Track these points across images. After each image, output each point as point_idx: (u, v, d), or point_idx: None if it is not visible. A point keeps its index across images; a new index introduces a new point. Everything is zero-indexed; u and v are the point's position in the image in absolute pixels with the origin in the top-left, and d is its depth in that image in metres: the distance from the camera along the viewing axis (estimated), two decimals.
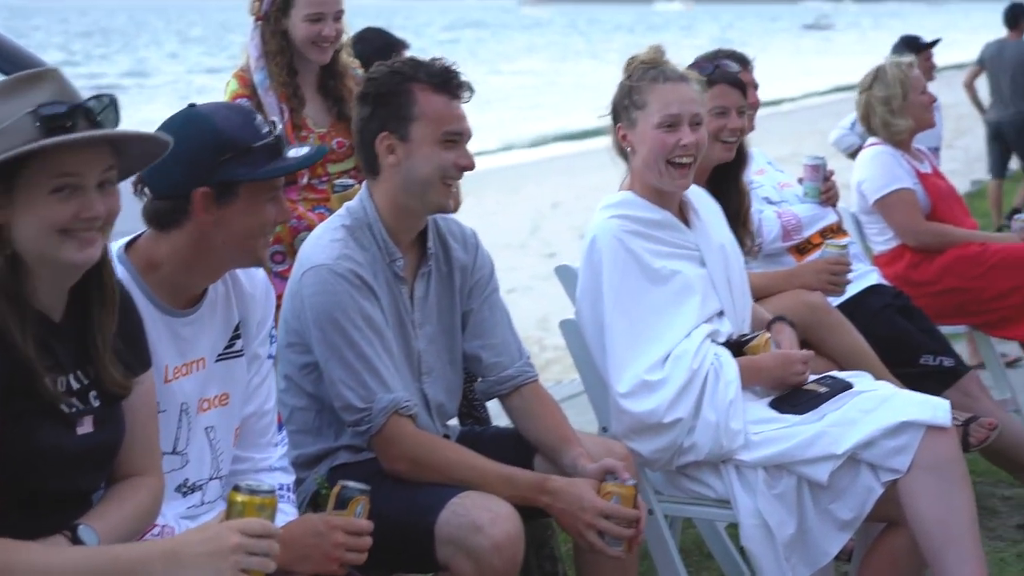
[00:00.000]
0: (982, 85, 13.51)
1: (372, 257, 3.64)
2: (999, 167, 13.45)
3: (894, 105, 5.99)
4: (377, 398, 3.52)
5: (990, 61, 13.09)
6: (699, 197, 4.35)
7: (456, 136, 3.63)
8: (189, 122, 3.05)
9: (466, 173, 3.71)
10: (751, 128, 5.16)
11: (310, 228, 4.89)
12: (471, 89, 3.68)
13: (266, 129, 3.06)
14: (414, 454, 3.54)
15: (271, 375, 3.39)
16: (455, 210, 4.39)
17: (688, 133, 4.08)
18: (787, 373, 4.10)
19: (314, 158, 3.24)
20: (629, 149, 4.19)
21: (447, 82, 3.63)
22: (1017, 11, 13.12)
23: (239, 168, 3.01)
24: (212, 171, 3.01)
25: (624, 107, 4.16)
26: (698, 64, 4.90)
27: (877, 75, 6.06)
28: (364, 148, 3.68)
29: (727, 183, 4.88)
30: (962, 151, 24.65)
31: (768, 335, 4.18)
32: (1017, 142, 13.15)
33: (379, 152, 3.63)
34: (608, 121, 4.27)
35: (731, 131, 4.82)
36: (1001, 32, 13.17)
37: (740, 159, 4.95)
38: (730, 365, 4.01)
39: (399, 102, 3.61)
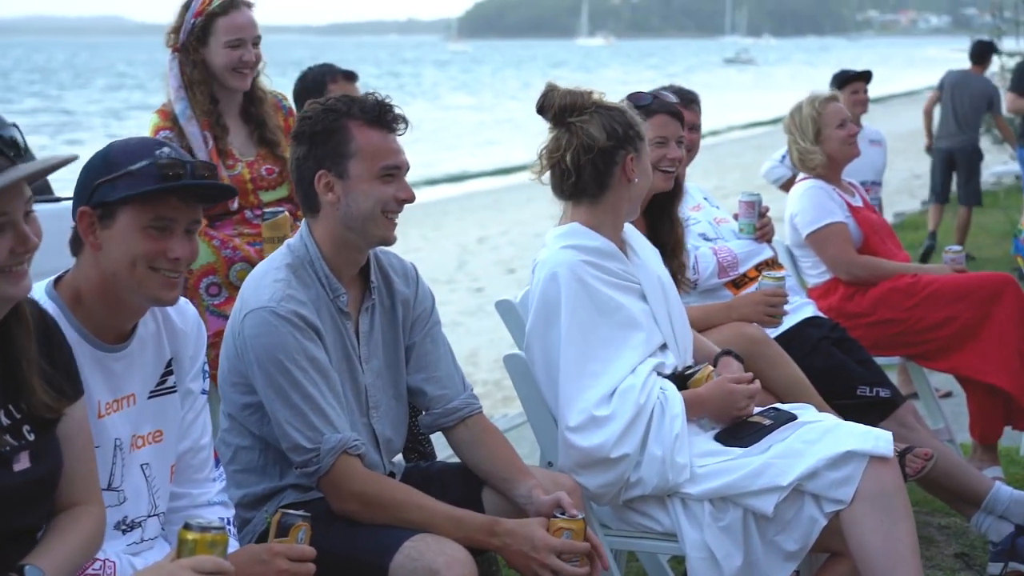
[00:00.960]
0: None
1: (316, 294, 3.62)
2: (941, 192, 13.93)
3: (808, 139, 6.07)
4: (325, 438, 3.48)
5: (950, 89, 13.57)
6: (630, 233, 4.38)
7: (394, 170, 3.62)
8: (95, 153, 3.08)
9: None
10: (689, 160, 5.20)
11: (246, 260, 4.88)
12: (406, 121, 3.67)
13: (164, 157, 3.01)
14: (363, 494, 3.51)
15: (205, 410, 3.36)
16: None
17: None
18: (729, 407, 4.12)
19: (205, 186, 3.11)
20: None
21: (382, 116, 3.61)
22: (983, 48, 13.81)
23: (114, 190, 2.99)
24: (91, 192, 3.01)
25: (626, 137, 4.18)
26: (637, 95, 4.93)
27: (794, 109, 6.16)
28: (302, 187, 3.66)
29: (662, 215, 4.90)
30: (883, 184, 24.91)
31: (711, 368, 4.20)
32: (965, 167, 13.62)
33: (318, 190, 3.61)
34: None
35: (671, 161, 4.84)
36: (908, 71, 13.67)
37: (676, 191, 4.97)
38: (675, 399, 4.02)
39: (335, 140, 3.59)
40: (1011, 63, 16.61)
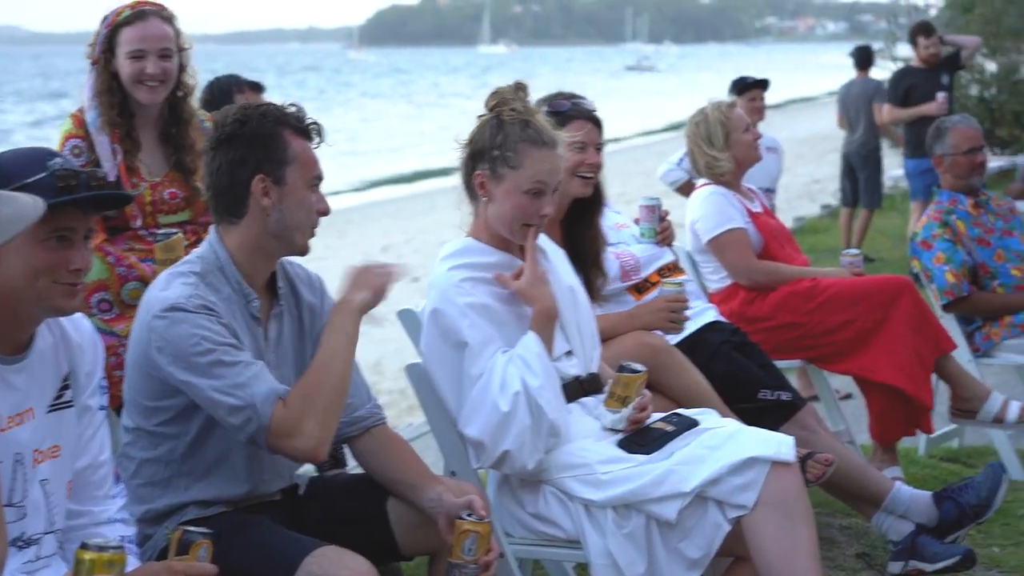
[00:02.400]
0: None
1: (227, 299, 3.60)
2: (849, 196, 14.37)
3: (716, 145, 6.11)
4: (255, 392, 3.45)
5: (843, 98, 14.10)
6: (544, 240, 4.35)
7: (319, 181, 3.66)
8: None
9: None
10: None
11: (140, 279, 4.80)
12: (323, 133, 3.70)
13: (58, 168, 2.97)
14: (306, 413, 3.48)
15: (104, 427, 3.33)
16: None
17: (549, 203, 4.08)
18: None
19: (105, 196, 3.12)
20: (485, 197, 4.14)
21: (309, 127, 3.65)
22: (864, 53, 14.23)
23: None
24: None
25: (492, 157, 4.07)
26: (555, 101, 4.93)
27: (699, 117, 6.18)
28: (231, 190, 3.62)
29: (583, 223, 4.90)
30: (782, 189, 25.18)
31: (644, 373, 4.19)
32: (863, 170, 14.05)
33: (253, 193, 3.59)
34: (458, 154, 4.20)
35: (589, 166, 4.85)
36: (834, 71, 14.06)
37: (596, 200, 4.96)
38: (531, 354, 4.00)
39: (274, 145, 3.59)
40: None
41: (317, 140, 3.67)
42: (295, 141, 3.61)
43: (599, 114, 5.04)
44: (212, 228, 3.70)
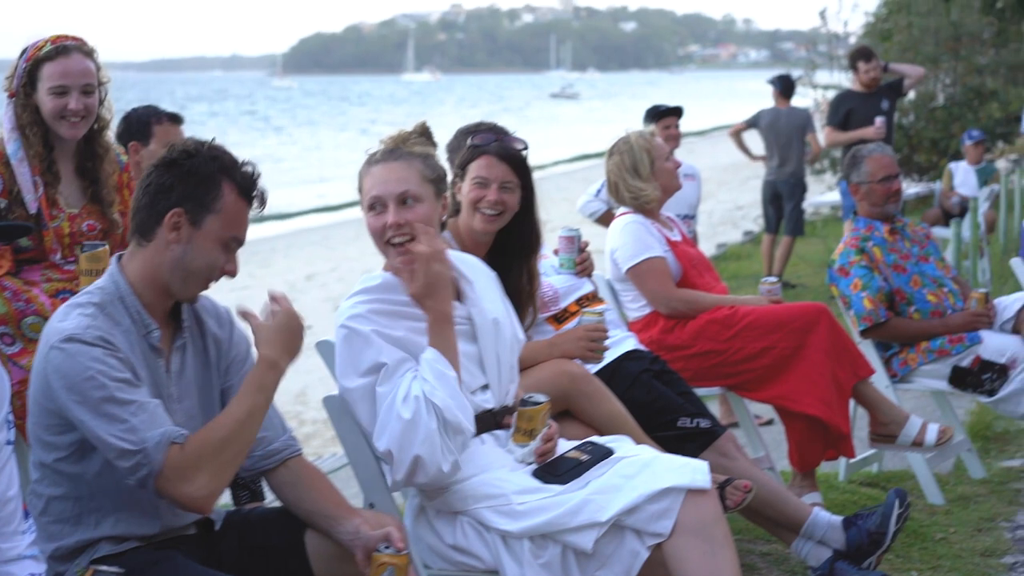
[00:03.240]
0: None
1: (126, 330, 3.55)
2: (773, 224, 14.56)
3: (641, 173, 6.14)
4: (148, 436, 3.40)
5: (767, 128, 14.22)
6: (473, 268, 4.35)
7: (236, 243, 3.63)
8: None
9: None
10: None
11: (38, 313, 4.76)
12: (264, 202, 3.69)
13: None
14: (202, 466, 3.44)
15: (11, 461, 3.28)
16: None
17: (395, 214, 4.07)
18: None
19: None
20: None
21: (251, 191, 3.63)
22: (787, 81, 14.43)
23: None
24: None
25: (359, 193, 4.20)
26: (480, 135, 4.94)
27: (623, 147, 6.20)
28: (150, 211, 3.59)
29: (513, 264, 4.85)
30: (706, 215, 25.41)
31: (547, 403, 4.19)
32: (790, 200, 14.27)
33: (164, 224, 3.56)
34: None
35: (490, 203, 4.81)
36: (754, 100, 14.16)
37: (533, 243, 4.90)
38: (426, 361, 4.02)
39: (206, 188, 3.56)
40: (830, 95, 17.12)
41: (255, 206, 3.66)
42: (230, 195, 3.59)
43: (524, 153, 4.94)
44: (113, 259, 3.67)
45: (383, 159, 4.14)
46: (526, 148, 4.95)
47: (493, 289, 4.39)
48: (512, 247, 4.89)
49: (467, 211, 4.86)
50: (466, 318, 4.20)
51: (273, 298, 3.68)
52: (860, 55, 13.22)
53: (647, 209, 6.18)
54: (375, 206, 4.10)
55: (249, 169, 3.66)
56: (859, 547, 5.16)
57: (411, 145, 4.17)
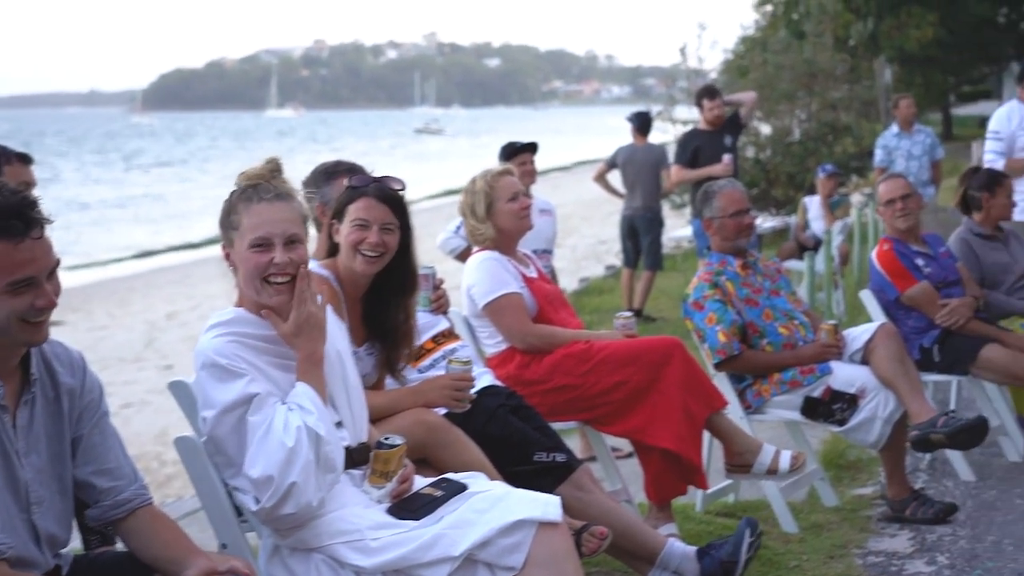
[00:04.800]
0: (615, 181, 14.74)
1: None
2: (632, 258, 14.74)
3: (477, 214, 6.22)
4: None
5: (624, 164, 14.46)
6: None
7: (23, 284, 3.42)
8: None
9: (70, 291, 3.61)
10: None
11: None
12: (41, 223, 3.44)
13: None
14: None
15: None
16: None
17: (282, 253, 4.07)
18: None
19: None
20: (232, 268, 4.18)
21: (6, 226, 3.37)
22: (644, 119, 14.70)
23: None
24: None
25: (224, 226, 4.15)
26: (359, 175, 4.96)
27: (469, 186, 6.29)
28: None
29: (390, 303, 4.89)
30: (569, 250, 25.60)
31: (403, 446, 4.20)
32: (647, 234, 14.49)
33: None
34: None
35: (371, 245, 4.81)
36: (615, 136, 14.34)
37: (410, 283, 4.93)
38: (304, 397, 4.03)
39: None
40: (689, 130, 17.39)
41: (32, 234, 3.41)
42: None
43: (402, 194, 4.95)
44: None
45: (267, 198, 4.09)
46: (404, 188, 4.96)
47: (337, 325, 4.41)
48: (390, 286, 4.90)
49: (347, 253, 4.87)
50: None
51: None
52: (705, 93, 13.49)
53: (489, 246, 6.24)
54: (261, 244, 4.07)
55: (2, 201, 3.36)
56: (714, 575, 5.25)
57: (268, 182, 4.16)
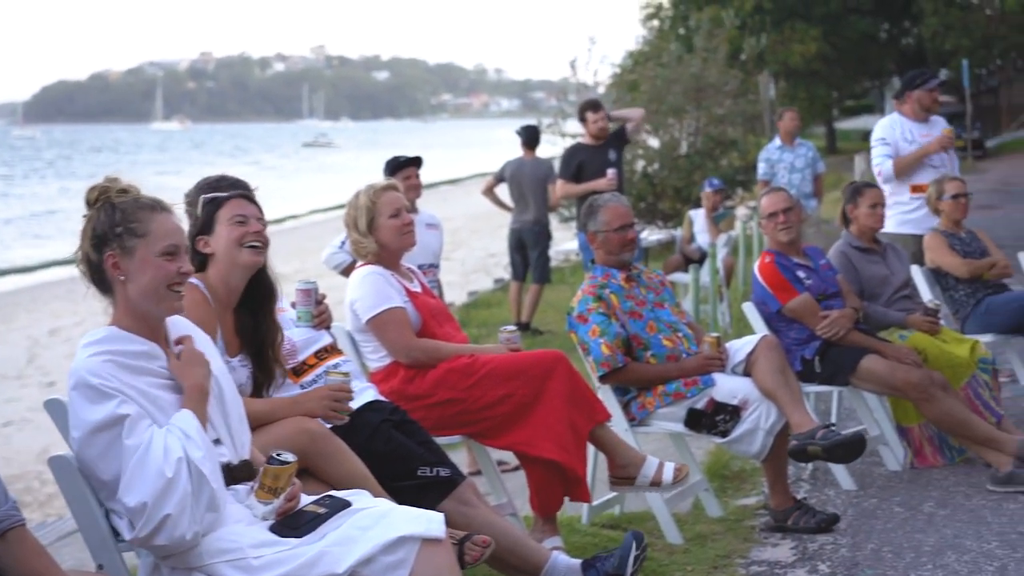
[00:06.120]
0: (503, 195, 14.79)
1: None
2: (520, 271, 14.80)
3: (359, 228, 6.22)
4: None
5: (512, 178, 14.53)
6: (186, 326, 4.33)
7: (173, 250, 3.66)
8: None
9: None
10: None
11: None
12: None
13: None
14: None
15: None
16: None
17: (185, 262, 4.13)
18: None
19: None
20: (122, 276, 4.10)
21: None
22: (532, 132, 14.72)
23: None
24: None
25: (118, 234, 4.07)
26: (216, 186, 4.96)
27: (352, 200, 6.30)
28: None
29: (262, 314, 4.93)
30: (458, 263, 25.62)
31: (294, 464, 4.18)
32: (535, 248, 14.58)
33: None
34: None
35: (255, 235, 4.92)
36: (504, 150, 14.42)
37: (268, 291, 4.99)
38: (190, 427, 4.02)
39: None
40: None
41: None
42: None
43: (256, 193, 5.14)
44: None
45: (166, 208, 4.15)
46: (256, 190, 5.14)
47: (209, 347, 4.38)
48: (254, 298, 4.94)
49: (230, 253, 4.91)
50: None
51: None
52: (588, 107, 13.57)
53: (372, 261, 6.24)
54: (171, 252, 4.10)
55: None
56: None
57: (117, 196, 4.13)
